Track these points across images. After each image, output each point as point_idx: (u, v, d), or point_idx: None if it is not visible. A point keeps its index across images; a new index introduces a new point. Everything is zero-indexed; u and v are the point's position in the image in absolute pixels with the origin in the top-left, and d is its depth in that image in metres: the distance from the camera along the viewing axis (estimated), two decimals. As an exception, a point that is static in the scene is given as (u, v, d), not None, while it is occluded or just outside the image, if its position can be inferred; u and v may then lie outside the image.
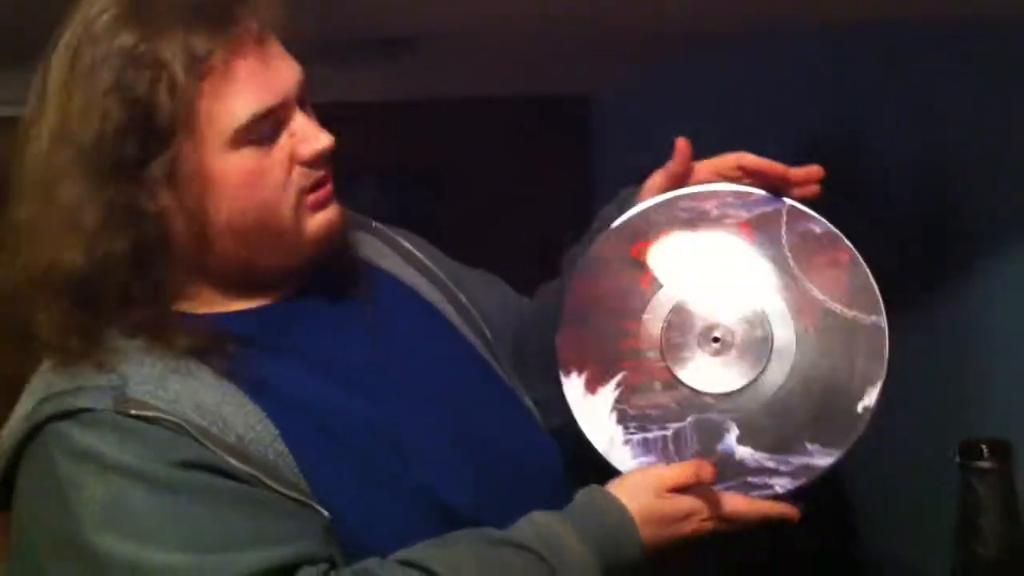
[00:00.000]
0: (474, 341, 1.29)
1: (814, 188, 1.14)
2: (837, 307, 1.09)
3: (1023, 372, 1.96)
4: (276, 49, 1.07)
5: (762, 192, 1.13)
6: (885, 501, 2.52)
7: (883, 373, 1.07)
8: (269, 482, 1.02)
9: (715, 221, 1.13)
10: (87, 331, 1.06)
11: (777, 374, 1.10)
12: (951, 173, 2.32)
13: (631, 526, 1.06)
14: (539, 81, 3.15)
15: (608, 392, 1.15)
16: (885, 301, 1.12)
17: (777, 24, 2.62)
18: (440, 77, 2.97)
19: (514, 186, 3.07)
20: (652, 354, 1.13)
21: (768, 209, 1.13)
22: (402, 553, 1.04)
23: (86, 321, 1.06)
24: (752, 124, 2.84)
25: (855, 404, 1.07)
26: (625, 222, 1.16)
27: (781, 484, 1.09)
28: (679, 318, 1.13)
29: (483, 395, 1.25)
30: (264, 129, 1.05)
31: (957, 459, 0.98)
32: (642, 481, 1.09)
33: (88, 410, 1.00)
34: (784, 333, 1.10)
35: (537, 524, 1.06)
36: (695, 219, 1.14)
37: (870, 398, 1.07)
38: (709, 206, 1.14)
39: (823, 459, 1.08)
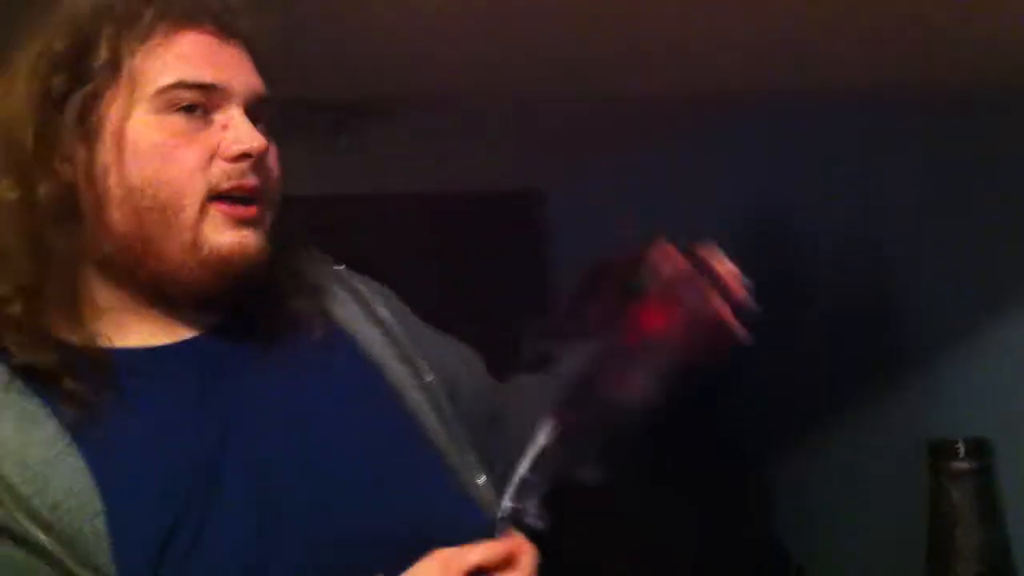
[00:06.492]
0: (416, 405, 1.17)
1: None
2: None
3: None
4: (235, 51, 1.06)
5: None
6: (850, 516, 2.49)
7: None
8: (68, 561, 0.92)
9: None
10: None
11: None
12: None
13: None
14: (489, 176, 3.14)
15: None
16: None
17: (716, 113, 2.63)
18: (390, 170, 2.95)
19: (466, 281, 3.00)
20: None
21: None
22: None
23: None
24: (694, 209, 2.89)
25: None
26: None
27: None
28: None
29: (391, 469, 1.10)
30: (190, 101, 1.02)
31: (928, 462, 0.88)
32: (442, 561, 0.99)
33: None
34: None
35: None
36: None
37: None
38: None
39: None
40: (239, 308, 1.08)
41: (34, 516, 0.92)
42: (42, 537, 0.92)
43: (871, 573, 2.34)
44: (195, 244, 1.01)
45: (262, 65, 1.08)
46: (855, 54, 1.85)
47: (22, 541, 0.92)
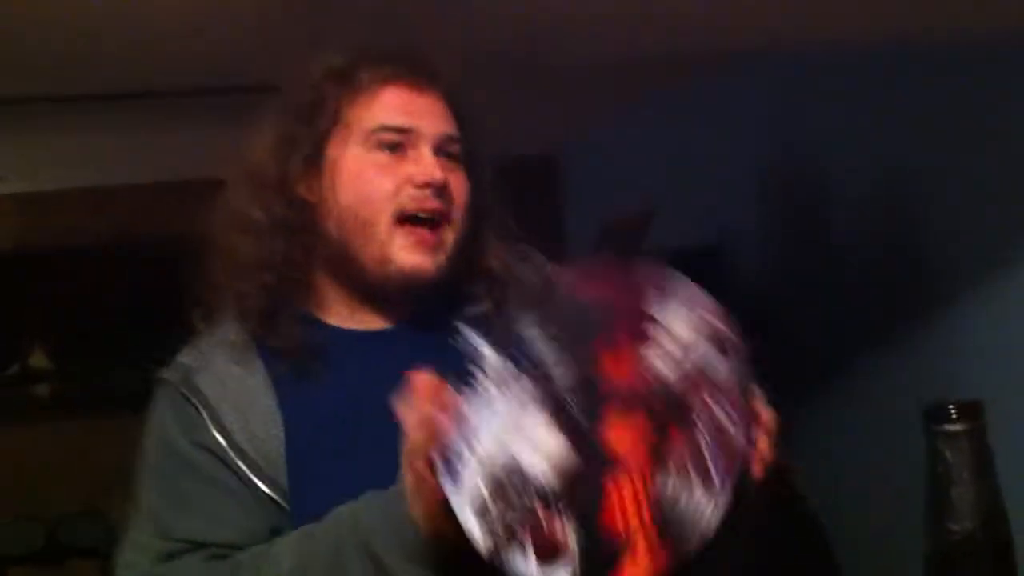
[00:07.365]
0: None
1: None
2: None
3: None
4: (428, 101, 1.33)
5: None
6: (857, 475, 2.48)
7: None
8: (254, 477, 1.25)
9: None
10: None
11: None
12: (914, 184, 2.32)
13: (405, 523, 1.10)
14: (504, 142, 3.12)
15: None
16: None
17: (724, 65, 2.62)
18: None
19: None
20: None
21: None
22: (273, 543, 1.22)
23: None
24: (703, 169, 2.87)
25: None
26: None
27: None
28: None
29: None
30: (390, 141, 1.30)
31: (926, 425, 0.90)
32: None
33: (165, 380, 1.31)
34: None
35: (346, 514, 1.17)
36: None
37: None
38: None
39: None
40: (433, 309, 1.33)
41: (233, 443, 1.26)
42: (238, 462, 1.25)
43: (878, 530, 2.36)
44: (384, 258, 1.29)
45: (457, 110, 1.34)
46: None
47: (224, 462, 1.25)
